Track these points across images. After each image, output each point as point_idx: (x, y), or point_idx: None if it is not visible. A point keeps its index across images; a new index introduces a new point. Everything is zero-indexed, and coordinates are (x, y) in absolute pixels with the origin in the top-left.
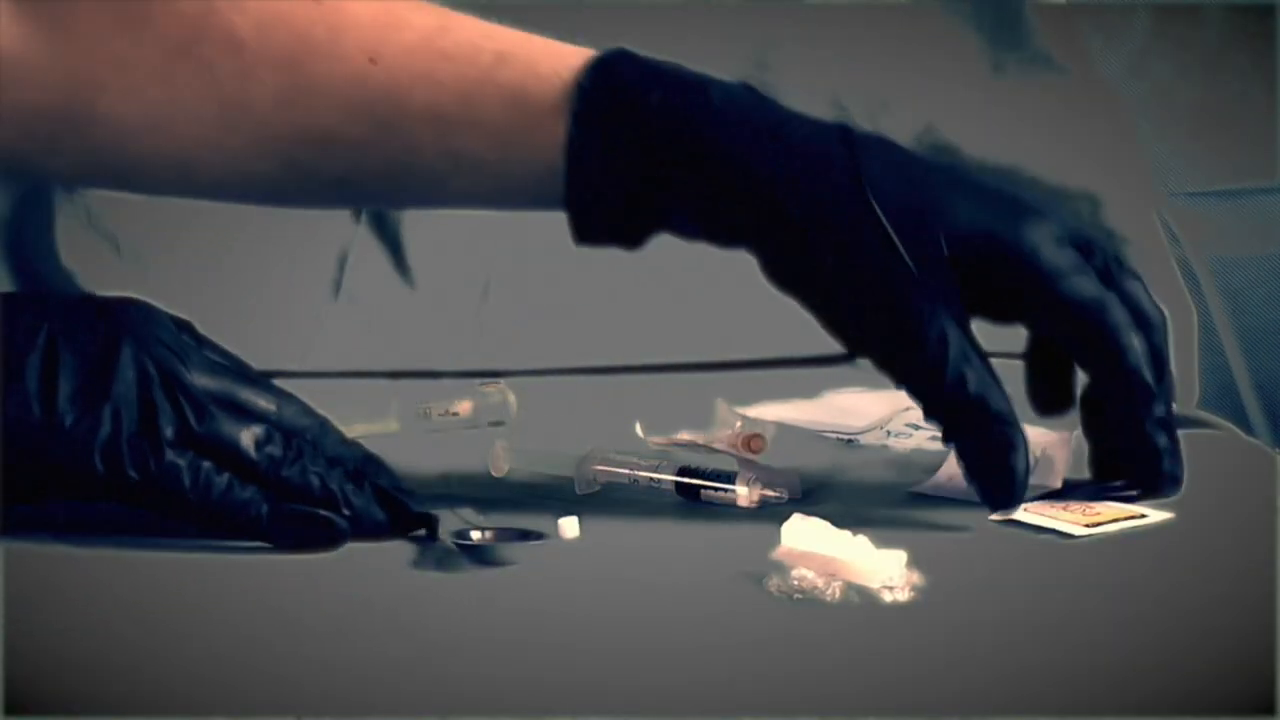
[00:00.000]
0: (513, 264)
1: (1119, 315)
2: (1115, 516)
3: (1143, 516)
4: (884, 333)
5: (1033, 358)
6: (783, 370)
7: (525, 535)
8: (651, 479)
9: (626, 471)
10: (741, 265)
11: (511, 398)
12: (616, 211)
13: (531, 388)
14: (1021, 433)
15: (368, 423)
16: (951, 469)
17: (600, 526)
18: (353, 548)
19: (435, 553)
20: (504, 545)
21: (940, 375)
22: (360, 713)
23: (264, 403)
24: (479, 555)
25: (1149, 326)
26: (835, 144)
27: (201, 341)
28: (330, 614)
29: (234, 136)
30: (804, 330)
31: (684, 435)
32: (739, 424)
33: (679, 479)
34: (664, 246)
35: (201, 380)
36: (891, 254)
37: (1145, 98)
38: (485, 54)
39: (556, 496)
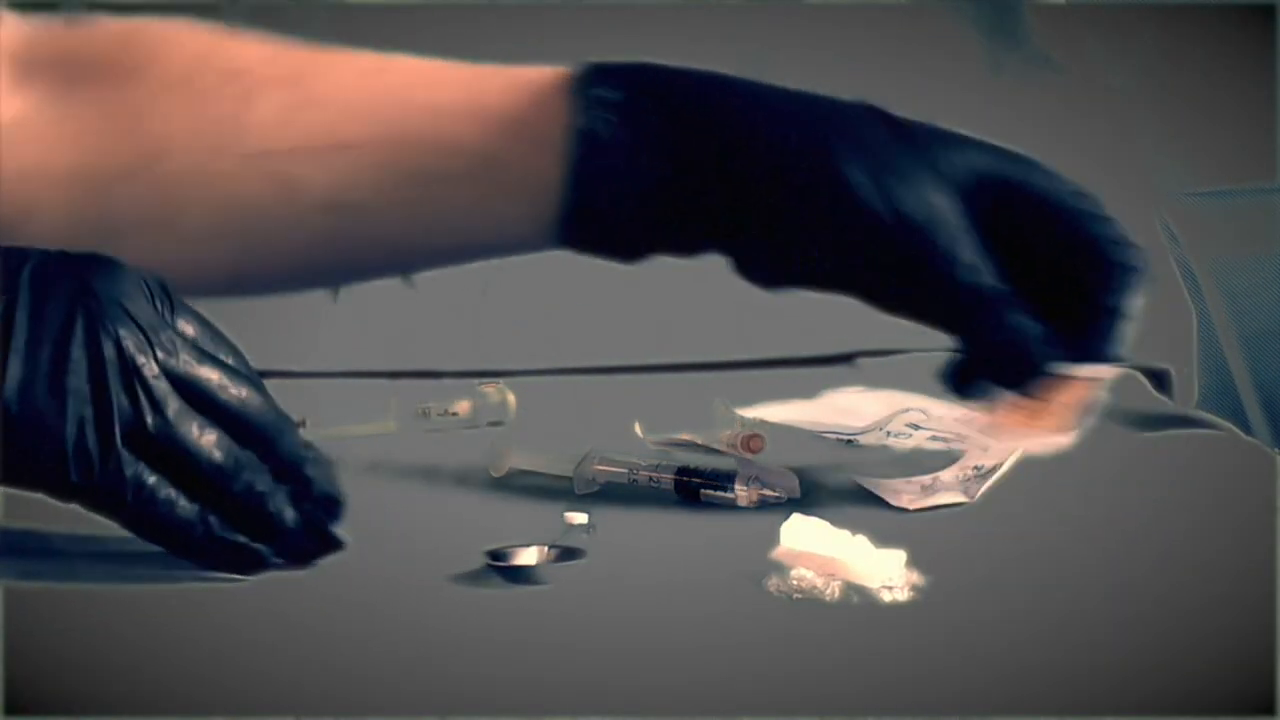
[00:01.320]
0: (513, 264)
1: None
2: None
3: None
4: (886, 268)
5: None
6: (783, 370)
7: (569, 554)
8: (651, 479)
9: (626, 471)
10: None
11: (511, 398)
12: (621, 207)
13: (531, 388)
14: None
15: (366, 423)
16: (952, 473)
17: (599, 527)
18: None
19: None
20: (542, 566)
21: (950, 268)
22: (360, 713)
23: (234, 390)
24: (515, 575)
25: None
26: (812, 118)
27: (175, 307)
28: (330, 614)
29: (221, 159)
30: (804, 330)
31: (684, 435)
32: (738, 424)
33: (678, 479)
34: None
35: (166, 364)
36: (867, 209)
37: (1145, 98)
38: (489, 67)
39: (556, 496)
